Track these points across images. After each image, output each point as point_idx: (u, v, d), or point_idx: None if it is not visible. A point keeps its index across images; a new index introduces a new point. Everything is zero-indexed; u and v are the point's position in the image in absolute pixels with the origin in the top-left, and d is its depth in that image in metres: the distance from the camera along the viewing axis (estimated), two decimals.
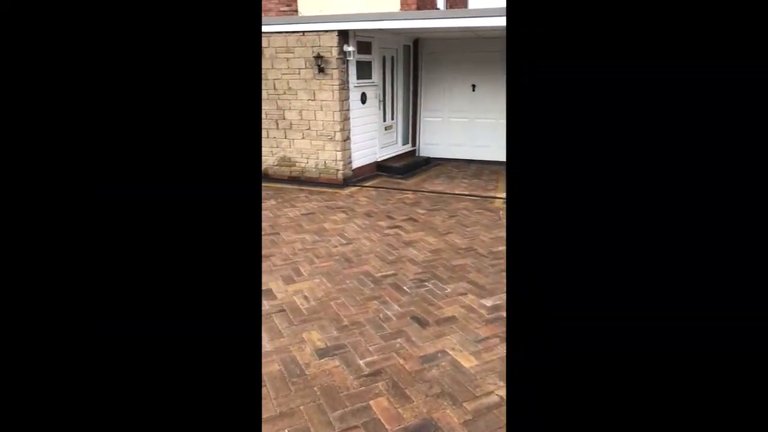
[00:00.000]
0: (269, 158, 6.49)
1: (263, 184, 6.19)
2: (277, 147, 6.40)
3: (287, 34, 5.87)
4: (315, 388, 2.12)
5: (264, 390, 2.10)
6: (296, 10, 7.77)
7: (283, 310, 2.85)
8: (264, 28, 5.92)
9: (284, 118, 6.23)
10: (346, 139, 6.14)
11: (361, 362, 2.32)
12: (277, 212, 4.96)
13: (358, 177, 6.45)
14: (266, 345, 2.46)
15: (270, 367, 2.27)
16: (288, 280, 3.29)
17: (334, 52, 5.69)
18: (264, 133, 6.41)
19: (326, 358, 2.35)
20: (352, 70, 6.04)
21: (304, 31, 5.77)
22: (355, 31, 5.80)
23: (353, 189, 5.99)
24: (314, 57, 5.73)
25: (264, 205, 5.24)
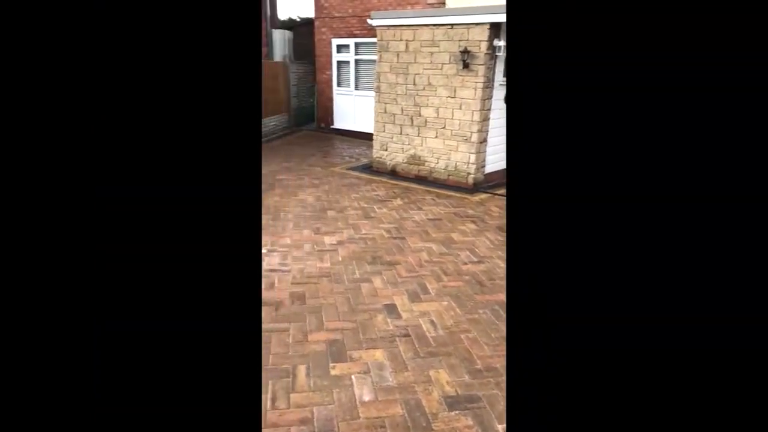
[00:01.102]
0: (399, 155, 6.32)
1: (391, 182, 6.04)
2: (409, 144, 6.18)
3: (434, 27, 5.55)
4: None
5: None
6: (443, 2, 7.43)
7: (408, 336, 2.56)
8: (412, 21, 5.70)
9: (420, 115, 5.97)
10: (483, 141, 5.65)
11: (499, 427, 1.91)
12: (403, 214, 4.73)
13: (490, 183, 5.93)
14: (389, 377, 2.19)
15: (392, 408, 1.99)
16: (414, 297, 3.00)
17: (483, 46, 5.22)
18: (397, 129, 6.24)
19: (456, 412, 1.98)
20: (500, 67, 5.50)
21: (452, 24, 5.40)
22: None
23: (484, 196, 5.50)
24: (460, 51, 5.33)
25: (391, 204, 5.06)
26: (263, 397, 2.00)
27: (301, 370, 2.21)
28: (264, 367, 2.21)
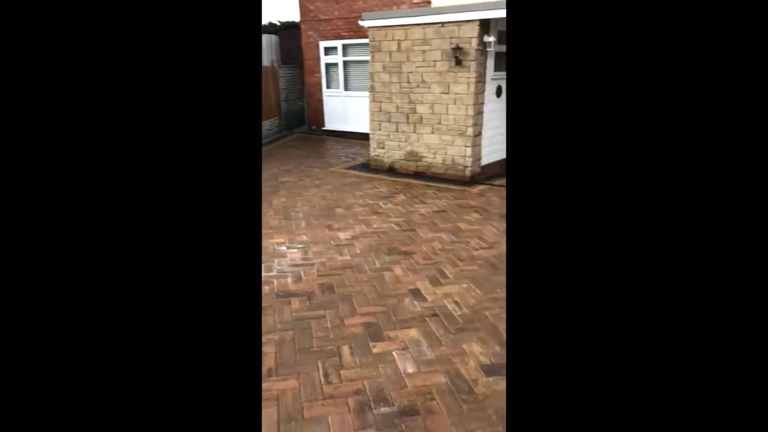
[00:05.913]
0: (396, 152, 6.48)
1: (391, 179, 6.20)
2: (405, 141, 6.35)
3: (425, 26, 5.74)
4: (489, 411, 1.94)
5: (434, 403, 1.98)
6: (429, 1, 7.63)
7: (436, 315, 2.72)
8: (403, 21, 5.87)
9: (415, 112, 6.15)
10: (478, 134, 5.86)
11: None
12: (408, 208, 4.89)
13: (487, 175, 6.14)
14: (426, 351, 2.36)
15: (435, 378, 2.15)
16: (434, 282, 3.17)
17: (474, 43, 5.42)
18: (393, 127, 6.41)
19: (495, 377, 2.16)
20: (490, 62, 5.72)
21: (443, 23, 5.60)
22: (497, 20, 5.46)
23: (482, 187, 5.70)
24: (452, 49, 5.53)
25: (395, 199, 5.23)
26: (316, 374, 2.15)
27: (345, 350, 2.36)
28: (309, 350, 2.36)
